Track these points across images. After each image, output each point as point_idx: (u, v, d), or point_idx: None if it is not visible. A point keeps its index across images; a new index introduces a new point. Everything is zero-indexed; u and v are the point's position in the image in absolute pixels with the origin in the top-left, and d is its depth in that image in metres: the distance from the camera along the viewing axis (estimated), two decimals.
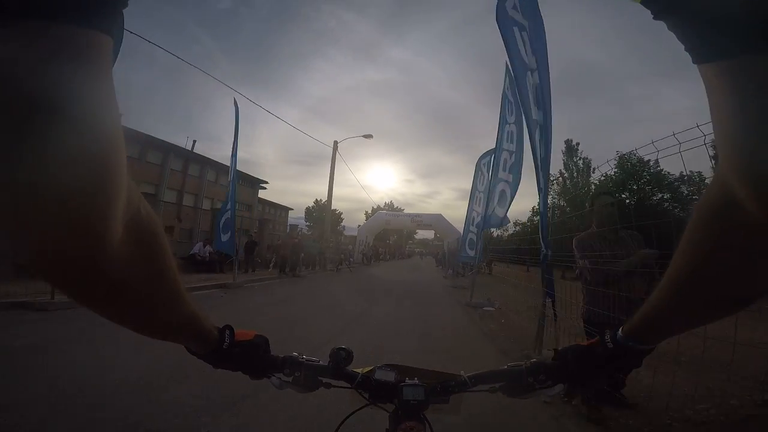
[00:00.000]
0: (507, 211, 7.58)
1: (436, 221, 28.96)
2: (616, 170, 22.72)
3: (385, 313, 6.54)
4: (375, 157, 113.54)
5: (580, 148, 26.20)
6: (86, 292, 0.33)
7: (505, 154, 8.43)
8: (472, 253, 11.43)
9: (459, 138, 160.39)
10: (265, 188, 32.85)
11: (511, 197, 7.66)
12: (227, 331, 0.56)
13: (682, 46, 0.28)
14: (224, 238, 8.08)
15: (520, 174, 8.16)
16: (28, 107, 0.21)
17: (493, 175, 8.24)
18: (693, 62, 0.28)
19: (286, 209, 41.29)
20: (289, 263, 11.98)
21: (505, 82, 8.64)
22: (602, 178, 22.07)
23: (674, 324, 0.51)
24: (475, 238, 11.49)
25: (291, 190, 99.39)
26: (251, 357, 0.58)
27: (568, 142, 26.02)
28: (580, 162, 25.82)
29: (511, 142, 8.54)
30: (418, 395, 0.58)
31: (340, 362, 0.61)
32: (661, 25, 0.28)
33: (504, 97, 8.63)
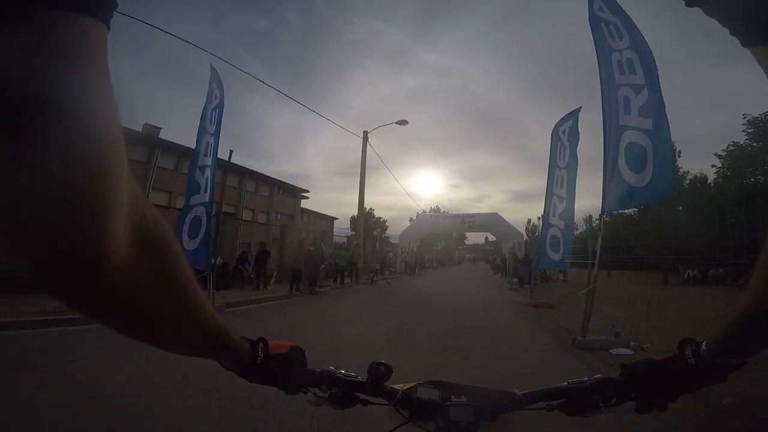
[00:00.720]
0: (655, 173, 4.13)
1: (491, 221, 25.17)
2: (748, 139, 16.76)
3: (429, 373, 3.39)
4: (418, 164, 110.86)
5: None
6: (95, 305, 0.30)
7: (625, 91, 5.01)
8: (556, 256, 7.89)
9: (504, 138, 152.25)
10: (306, 197, 31.84)
11: (659, 152, 4.22)
12: (260, 345, 0.53)
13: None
14: (190, 245, 5.51)
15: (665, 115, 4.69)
16: (18, 106, 0.19)
17: (611, 126, 4.84)
18: (742, 46, 0.28)
19: (331, 219, 40.35)
20: (306, 277, 9.38)
21: (593, 3, 5.31)
22: (731, 147, 16.76)
23: None
24: (559, 235, 7.95)
25: (339, 201, 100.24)
26: (287, 371, 0.55)
27: None
28: None
29: (633, 72, 5.14)
30: (467, 416, 0.54)
31: (379, 378, 0.58)
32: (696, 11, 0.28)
33: (597, 21, 5.28)
